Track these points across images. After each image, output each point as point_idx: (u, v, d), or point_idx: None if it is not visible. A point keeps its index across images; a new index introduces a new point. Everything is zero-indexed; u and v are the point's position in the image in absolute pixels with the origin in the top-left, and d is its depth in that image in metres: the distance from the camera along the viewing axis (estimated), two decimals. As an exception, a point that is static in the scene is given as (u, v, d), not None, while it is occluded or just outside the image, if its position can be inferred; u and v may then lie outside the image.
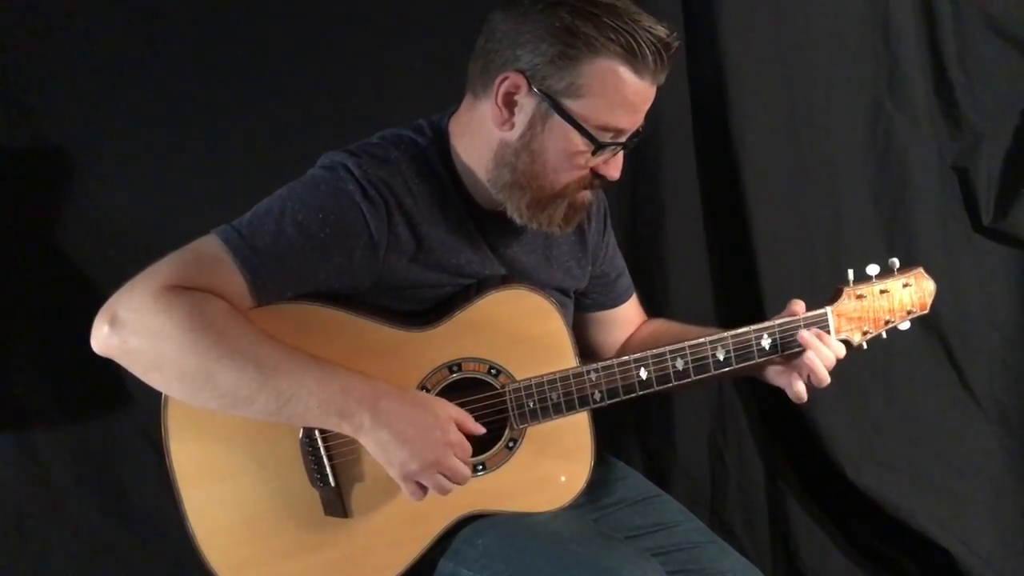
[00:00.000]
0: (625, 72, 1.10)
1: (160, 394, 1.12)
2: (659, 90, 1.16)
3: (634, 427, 2.04)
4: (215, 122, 1.71)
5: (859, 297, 1.31)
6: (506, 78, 1.13)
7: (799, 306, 1.29)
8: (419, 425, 1.12)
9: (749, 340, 1.27)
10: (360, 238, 1.14)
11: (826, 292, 1.34)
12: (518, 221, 1.21)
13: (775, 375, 1.32)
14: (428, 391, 1.20)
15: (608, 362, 1.25)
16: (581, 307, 1.46)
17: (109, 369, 1.12)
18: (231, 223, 1.12)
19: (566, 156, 1.15)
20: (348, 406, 1.09)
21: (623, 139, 1.17)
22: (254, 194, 1.16)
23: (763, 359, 1.28)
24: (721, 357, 1.27)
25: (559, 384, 1.23)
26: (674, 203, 1.94)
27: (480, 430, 1.19)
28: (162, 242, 1.10)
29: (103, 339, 1.05)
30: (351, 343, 1.16)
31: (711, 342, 1.26)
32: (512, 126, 1.15)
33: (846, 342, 1.31)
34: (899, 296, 1.33)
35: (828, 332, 1.29)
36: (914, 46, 1.96)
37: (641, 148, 1.53)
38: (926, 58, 1.98)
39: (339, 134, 1.27)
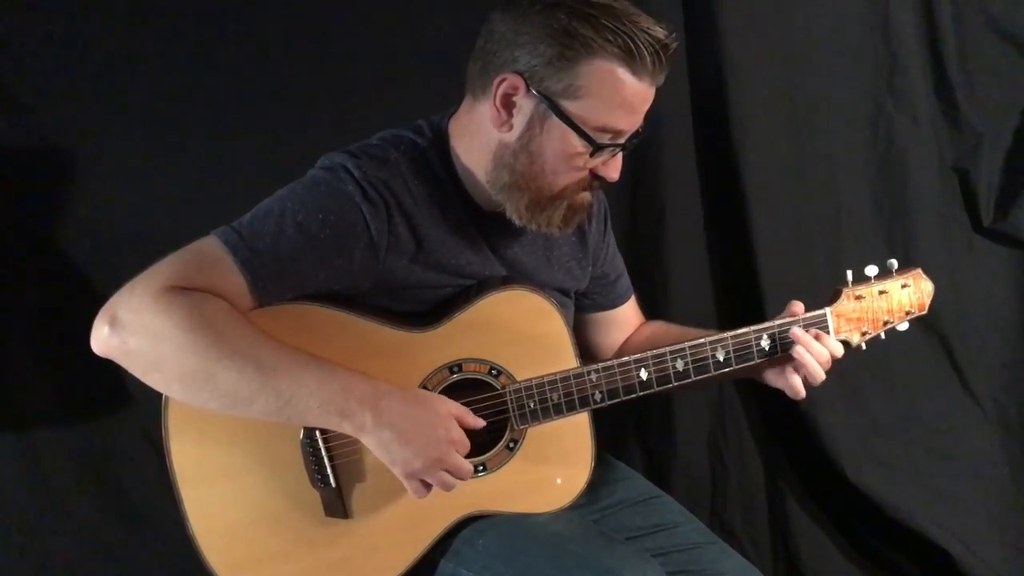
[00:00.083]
0: (623, 73, 1.10)
1: (160, 394, 1.12)
2: (659, 91, 1.16)
3: (634, 428, 2.04)
4: (215, 122, 1.71)
5: (858, 298, 1.31)
6: (504, 79, 1.13)
7: (798, 307, 1.30)
8: (421, 424, 1.12)
9: (749, 341, 1.27)
10: (360, 239, 1.14)
11: (826, 293, 1.34)
12: (517, 222, 1.21)
13: (773, 376, 1.32)
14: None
15: (608, 363, 1.25)
16: (580, 308, 1.46)
17: (109, 370, 1.12)
18: (231, 224, 1.12)
19: (564, 158, 1.15)
20: (349, 405, 1.09)
21: (622, 140, 1.17)
22: (254, 194, 1.16)
23: (762, 360, 1.28)
24: (721, 358, 1.27)
25: (559, 385, 1.23)
26: (674, 203, 1.94)
27: (480, 423, 1.19)
28: (162, 242, 1.10)
29: (103, 340, 1.05)
30: (351, 344, 1.16)
31: (711, 343, 1.26)
32: (511, 127, 1.15)
33: (845, 343, 1.31)
34: (898, 297, 1.34)
35: (828, 333, 1.29)
36: (914, 46, 1.96)
37: (641, 149, 1.53)
38: (926, 58, 1.98)
39: (339, 135, 1.27)
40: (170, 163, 1.71)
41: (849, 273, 1.31)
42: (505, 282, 1.26)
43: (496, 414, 1.23)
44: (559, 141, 1.14)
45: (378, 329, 1.18)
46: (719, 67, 1.87)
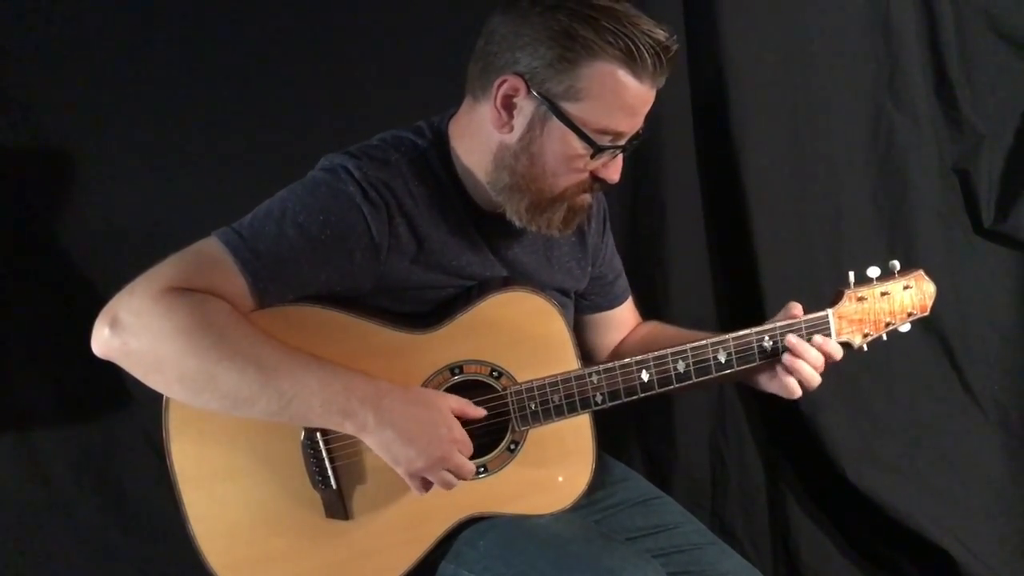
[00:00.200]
0: (624, 75, 1.10)
1: (161, 395, 1.12)
2: (659, 92, 1.16)
3: (635, 429, 2.04)
4: (215, 123, 1.71)
5: (860, 299, 1.31)
6: (505, 81, 1.12)
7: (796, 308, 1.29)
8: (423, 423, 1.13)
9: (751, 342, 1.27)
10: (361, 240, 1.14)
11: (826, 293, 1.34)
12: (517, 224, 1.20)
13: (766, 381, 1.32)
14: (429, 392, 1.20)
15: (609, 364, 1.25)
16: (578, 308, 1.46)
17: (110, 370, 1.11)
18: (232, 225, 1.12)
19: (565, 159, 1.15)
20: (351, 405, 1.09)
21: (622, 142, 1.17)
22: (254, 195, 1.16)
23: (764, 361, 1.28)
24: (723, 359, 1.27)
25: (560, 386, 1.23)
26: (674, 204, 1.94)
27: (481, 412, 1.19)
28: (163, 243, 1.10)
29: (104, 341, 1.04)
30: (352, 345, 1.16)
31: (712, 344, 1.26)
32: (511, 129, 1.15)
33: (847, 344, 1.31)
34: (900, 298, 1.33)
35: (829, 334, 1.29)
36: (914, 47, 1.96)
37: (642, 149, 1.53)
38: (927, 59, 1.98)
39: (339, 135, 1.27)
40: (170, 163, 1.71)
41: (851, 274, 1.31)
42: (506, 283, 1.26)
43: (497, 416, 1.23)
44: (559, 143, 1.14)
45: (379, 330, 1.18)
46: (719, 68, 1.87)
